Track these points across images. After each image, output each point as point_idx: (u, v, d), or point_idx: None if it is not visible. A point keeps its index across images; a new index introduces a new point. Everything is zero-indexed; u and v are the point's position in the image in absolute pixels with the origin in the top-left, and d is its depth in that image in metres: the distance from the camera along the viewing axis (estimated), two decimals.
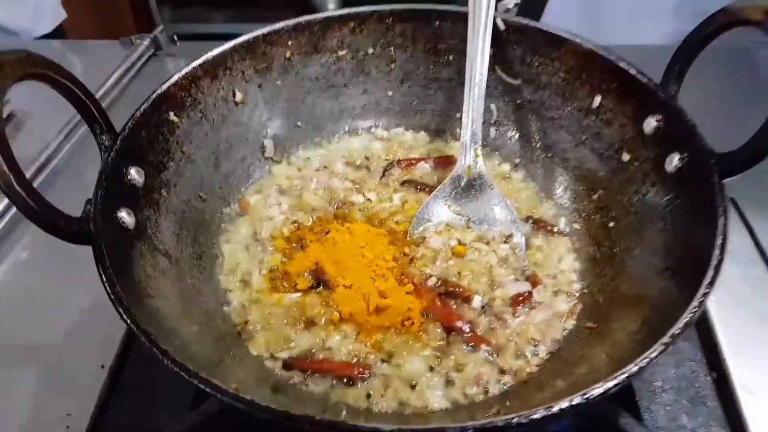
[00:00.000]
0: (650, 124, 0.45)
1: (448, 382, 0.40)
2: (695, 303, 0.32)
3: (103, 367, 0.45)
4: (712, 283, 0.33)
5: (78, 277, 0.50)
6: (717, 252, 0.34)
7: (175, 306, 0.40)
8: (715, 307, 0.48)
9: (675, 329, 0.31)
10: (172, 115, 0.46)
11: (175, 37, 0.82)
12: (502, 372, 0.41)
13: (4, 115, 0.35)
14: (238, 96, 0.52)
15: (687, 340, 0.47)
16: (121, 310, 0.32)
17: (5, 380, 0.46)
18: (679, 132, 0.42)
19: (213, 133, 0.50)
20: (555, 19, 0.90)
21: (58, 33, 1.30)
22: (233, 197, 0.52)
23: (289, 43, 0.53)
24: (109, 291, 0.33)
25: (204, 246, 0.47)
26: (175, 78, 0.47)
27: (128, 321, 0.32)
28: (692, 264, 0.36)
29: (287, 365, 0.41)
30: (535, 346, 0.42)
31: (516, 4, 0.49)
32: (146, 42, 0.81)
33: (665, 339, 0.31)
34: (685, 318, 0.32)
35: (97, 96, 0.72)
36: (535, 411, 0.28)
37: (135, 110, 0.44)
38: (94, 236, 0.35)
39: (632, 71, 0.46)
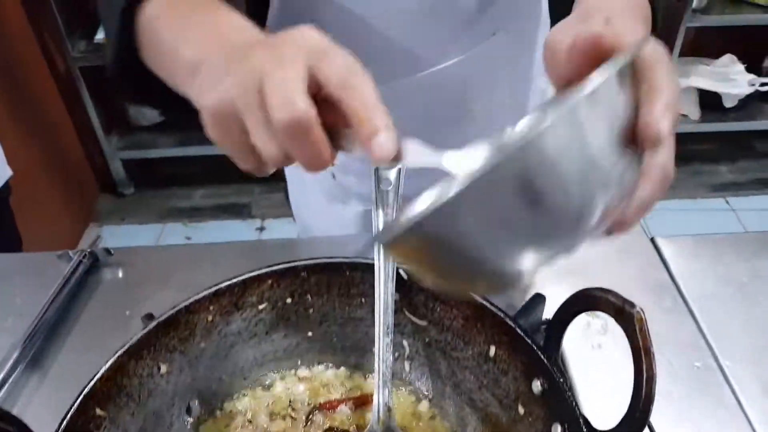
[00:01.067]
0: (537, 386, 0.50)
1: None
2: None
3: None
4: None
5: None
6: None
7: None
8: None
9: None
10: (98, 411, 0.49)
11: (111, 250, 0.86)
12: None
13: None
14: (163, 368, 0.55)
15: None
16: None
17: None
18: (560, 402, 0.47)
19: (139, 409, 0.53)
20: None
21: (4, 190, 1.32)
22: None
23: (211, 308, 0.57)
24: None
25: None
26: (100, 373, 0.50)
27: None
28: None
29: None
30: None
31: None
32: (83, 257, 0.85)
33: None
34: None
35: (36, 319, 0.74)
36: None
37: (61, 419, 0.46)
38: None
39: (518, 330, 0.52)
